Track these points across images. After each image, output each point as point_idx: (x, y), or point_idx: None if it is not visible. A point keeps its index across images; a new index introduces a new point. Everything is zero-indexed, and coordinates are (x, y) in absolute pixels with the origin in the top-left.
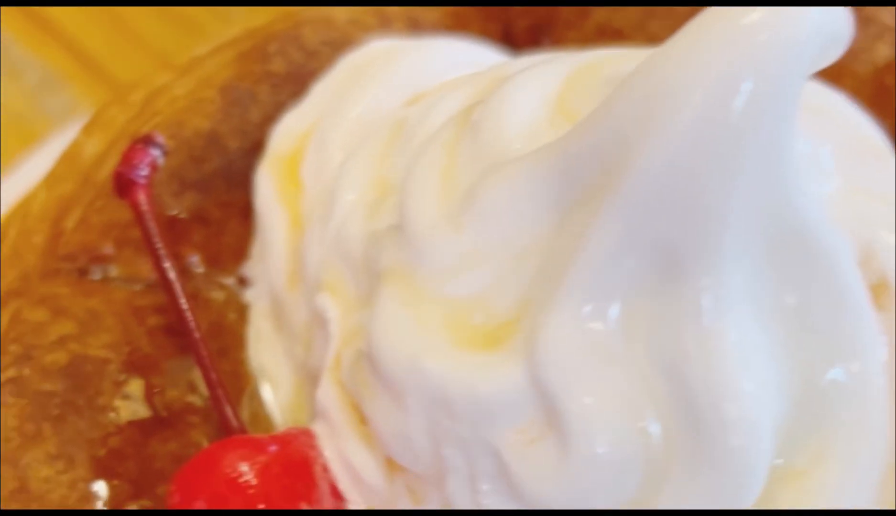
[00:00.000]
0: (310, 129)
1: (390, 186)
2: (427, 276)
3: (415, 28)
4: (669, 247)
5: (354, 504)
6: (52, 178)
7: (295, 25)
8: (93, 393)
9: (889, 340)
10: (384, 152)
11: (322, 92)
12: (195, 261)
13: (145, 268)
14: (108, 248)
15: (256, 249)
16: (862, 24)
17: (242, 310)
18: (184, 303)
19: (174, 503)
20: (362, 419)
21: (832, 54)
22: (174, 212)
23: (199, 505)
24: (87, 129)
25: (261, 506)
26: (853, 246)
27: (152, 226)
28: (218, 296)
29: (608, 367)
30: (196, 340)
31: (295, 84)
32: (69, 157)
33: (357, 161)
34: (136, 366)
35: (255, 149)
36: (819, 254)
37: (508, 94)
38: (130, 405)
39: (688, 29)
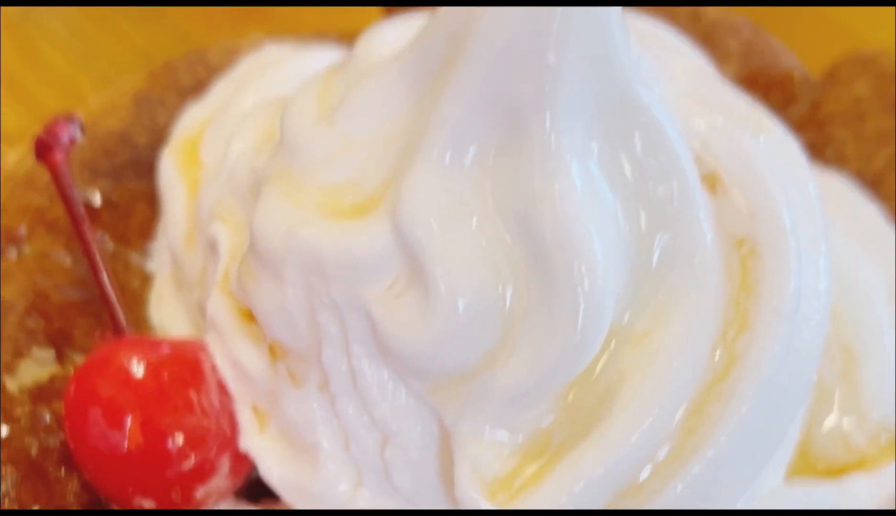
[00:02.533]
0: (209, 116)
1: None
2: (303, 168)
3: None
4: (513, 103)
5: (239, 398)
6: None
7: (202, 50)
8: None
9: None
10: (272, 116)
11: (222, 86)
12: (104, 239)
13: (56, 246)
14: (22, 230)
15: (160, 227)
16: None
17: (145, 279)
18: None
19: (70, 395)
20: (248, 319)
21: None
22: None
23: (94, 397)
24: (6, 142)
25: (151, 394)
26: (685, 134)
27: (68, 180)
28: (124, 267)
29: (465, 219)
30: (93, 254)
31: (199, 93)
32: None
33: (248, 123)
34: (41, 308)
35: (162, 143)
36: (647, 123)
37: (379, 31)
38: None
39: None
